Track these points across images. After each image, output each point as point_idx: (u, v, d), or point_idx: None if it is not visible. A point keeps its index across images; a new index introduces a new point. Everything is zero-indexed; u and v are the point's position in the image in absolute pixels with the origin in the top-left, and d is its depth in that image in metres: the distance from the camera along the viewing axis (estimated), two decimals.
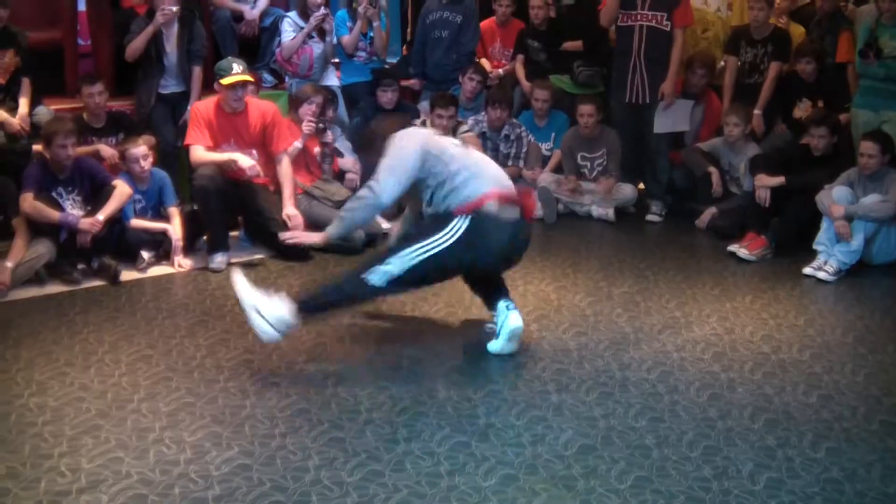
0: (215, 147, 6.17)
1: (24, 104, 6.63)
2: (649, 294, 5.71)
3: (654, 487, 3.57)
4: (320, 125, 6.78)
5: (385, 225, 6.91)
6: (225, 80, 6.08)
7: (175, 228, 6.16)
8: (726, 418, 4.14)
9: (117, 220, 6.00)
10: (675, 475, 3.66)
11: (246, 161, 6.04)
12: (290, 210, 6.20)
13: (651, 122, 7.39)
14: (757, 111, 7.44)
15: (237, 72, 6.09)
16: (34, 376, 4.44)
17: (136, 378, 4.43)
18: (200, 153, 6.11)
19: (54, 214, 5.77)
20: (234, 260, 6.20)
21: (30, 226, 5.76)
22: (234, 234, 6.57)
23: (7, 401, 4.18)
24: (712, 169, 7.25)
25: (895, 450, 3.90)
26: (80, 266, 5.82)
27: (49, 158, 5.89)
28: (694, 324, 5.26)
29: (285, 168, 6.29)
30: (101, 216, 5.83)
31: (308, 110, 6.71)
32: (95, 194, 5.98)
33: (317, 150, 6.85)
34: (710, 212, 7.15)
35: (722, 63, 7.82)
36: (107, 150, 6.44)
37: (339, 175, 7.04)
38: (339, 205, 6.56)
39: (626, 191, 7.51)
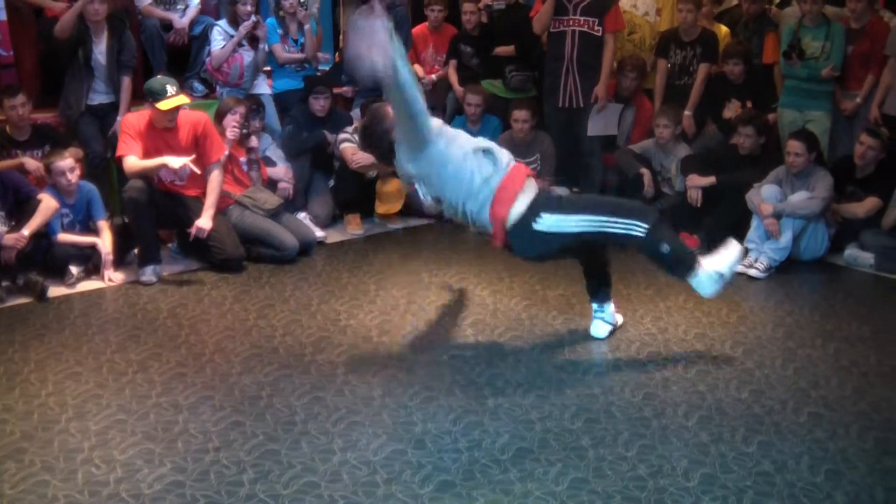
0: (147, 159, 6.05)
1: None
2: (584, 297, 5.68)
3: (590, 488, 3.58)
4: (244, 131, 6.71)
5: (319, 234, 6.87)
6: (162, 106, 5.94)
7: (104, 242, 6.06)
8: (661, 417, 4.17)
9: (44, 234, 5.89)
10: (611, 475, 3.68)
11: (176, 161, 5.92)
12: (202, 221, 6.08)
13: (584, 126, 7.45)
14: (687, 112, 7.53)
15: (172, 94, 5.96)
16: None
17: (64, 397, 4.34)
18: (132, 162, 6.00)
19: None
20: (165, 273, 6.11)
21: None
22: (166, 246, 6.49)
23: None
24: (644, 170, 7.32)
25: (823, 441, 3.97)
26: (5, 283, 5.69)
27: None
28: (628, 324, 5.30)
29: (214, 179, 6.19)
30: (26, 231, 5.72)
31: (231, 120, 6.65)
32: (20, 209, 5.86)
33: (243, 158, 6.79)
34: None
35: (651, 66, 7.91)
36: (31, 162, 6.31)
37: (269, 183, 6.97)
38: (270, 213, 6.51)
39: (560, 194, 7.52)
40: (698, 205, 6.71)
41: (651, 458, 3.81)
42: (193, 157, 6.02)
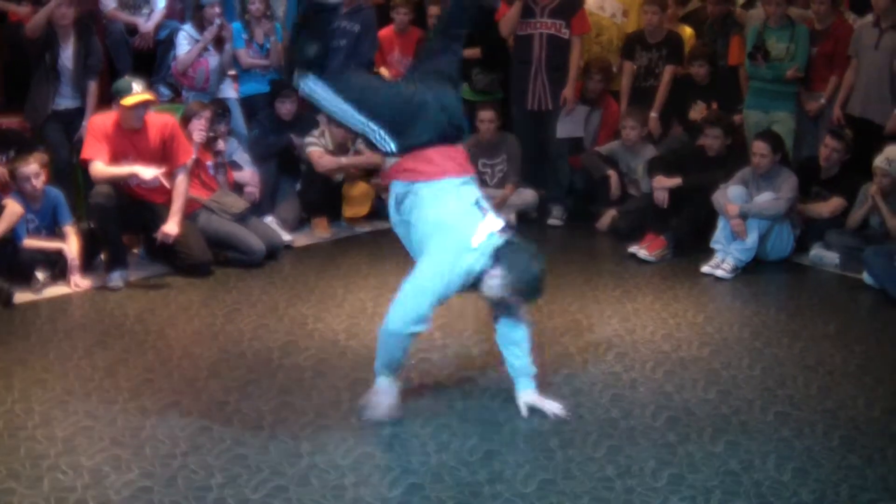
0: (114, 163, 6.00)
1: None
2: (551, 297, 5.73)
3: (559, 489, 3.60)
4: (210, 135, 6.69)
5: (287, 237, 6.86)
6: (126, 101, 5.91)
7: (71, 247, 6.01)
8: (629, 417, 4.20)
9: (9, 240, 5.83)
10: (579, 476, 3.70)
11: (148, 173, 5.90)
12: (168, 227, 6.04)
13: (553, 128, 7.47)
14: (653, 114, 7.59)
15: (137, 91, 5.94)
16: None
17: (30, 404, 4.30)
18: (100, 168, 5.95)
19: None
20: (132, 277, 6.08)
21: None
22: (133, 251, 6.45)
23: None
24: (611, 172, 7.37)
25: (789, 439, 4.01)
26: None
27: None
28: (596, 325, 5.33)
29: (180, 183, 6.15)
30: None
31: (198, 125, 6.62)
32: None
33: (210, 162, 6.76)
34: (609, 214, 7.25)
35: (615, 69, 7.95)
36: None
37: (236, 187, 6.95)
38: (236, 217, 6.48)
39: (527, 196, 7.56)
40: (665, 206, 6.75)
41: (619, 458, 3.83)
42: (164, 170, 5.99)
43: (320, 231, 7.17)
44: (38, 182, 6.04)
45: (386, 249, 6.87)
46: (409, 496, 3.54)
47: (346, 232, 7.30)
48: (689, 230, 6.70)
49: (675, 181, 6.78)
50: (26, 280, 5.87)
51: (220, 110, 7.04)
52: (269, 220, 7.02)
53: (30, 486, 3.59)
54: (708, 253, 6.39)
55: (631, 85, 7.77)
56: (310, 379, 4.58)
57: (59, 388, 4.48)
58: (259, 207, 7.03)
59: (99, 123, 6.07)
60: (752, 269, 6.32)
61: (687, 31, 8.03)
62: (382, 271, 6.29)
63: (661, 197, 6.78)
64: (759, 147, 6.42)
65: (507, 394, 4.41)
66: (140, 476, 3.66)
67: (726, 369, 4.75)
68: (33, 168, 6.02)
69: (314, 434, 4.00)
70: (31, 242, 6.00)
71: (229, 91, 7.79)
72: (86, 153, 6.04)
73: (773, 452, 3.88)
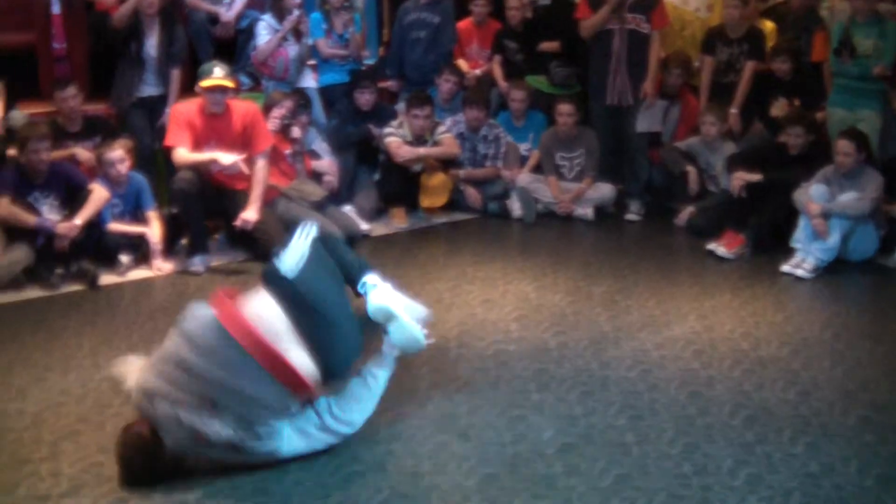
0: (196, 149, 6.12)
1: None
2: (629, 293, 5.73)
3: (634, 485, 3.58)
4: (285, 122, 6.76)
5: (364, 227, 6.91)
6: (204, 83, 6.06)
7: (154, 232, 6.15)
8: (706, 415, 4.16)
9: (95, 224, 5.98)
10: (655, 472, 3.68)
11: (227, 158, 6.01)
12: (247, 213, 6.15)
13: (632, 124, 7.42)
14: (733, 110, 7.48)
15: (217, 76, 6.06)
16: (13, 381, 4.42)
17: (117, 382, 4.40)
18: (182, 154, 6.08)
19: (31, 219, 5.75)
20: (213, 262, 6.18)
21: (7, 231, 5.73)
22: (213, 237, 6.55)
23: None
24: (690, 168, 7.29)
25: (871, 444, 3.93)
26: (59, 271, 5.79)
27: (24, 163, 5.87)
28: (673, 322, 5.29)
29: (260, 170, 6.24)
30: (79, 220, 5.82)
31: (276, 113, 6.71)
32: (72, 199, 5.96)
33: (288, 150, 6.84)
34: (688, 210, 7.18)
35: (697, 63, 7.86)
36: (83, 153, 6.42)
37: (314, 176, 7.02)
38: (315, 205, 6.56)
39: (605, 190, 7.53)
40: (742, 196, 6.65)
41: (696, 456, 3.80)
42: (245, 156, 6.09)
43: (398, 221, 7.21)
44: (123, 167, 6.18)
45: (462, 240, 6.90)
46: (485, 485, 3.56)
47: (424, 222, 7.34)
48: (769, 228, 6.60)
49: (756, 176, 6.68)
50: (111, 263, 6.01)
51: (303, 101, 7.12)
52: (348, 209, 7.08)
53: (116, 462, 3.69)
54: (788, 252, 6.29)
55: (711, 80, 7.68)
56: None
57: None
58: (337, 196, 7.09)
59: (182, 110, 6.19)
60: (834, 269, 6.20)
61: (768, 25, 7.90)
62: (460, 262, 6.32)
63: (738, 187, 6.68)
64: (844, 146, 6.30)
65: (583, 387, 4.41)
66: None
67: (806, 370, 4.68)
68: (119, 154, 6.16)
69: (392, 421, 4.04)
70: (115, 227, 6.15)
71: (308, 81, 7.87)
72: (169, 140, 6.17)
73: (854, 457, 3.81)
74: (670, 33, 7.81)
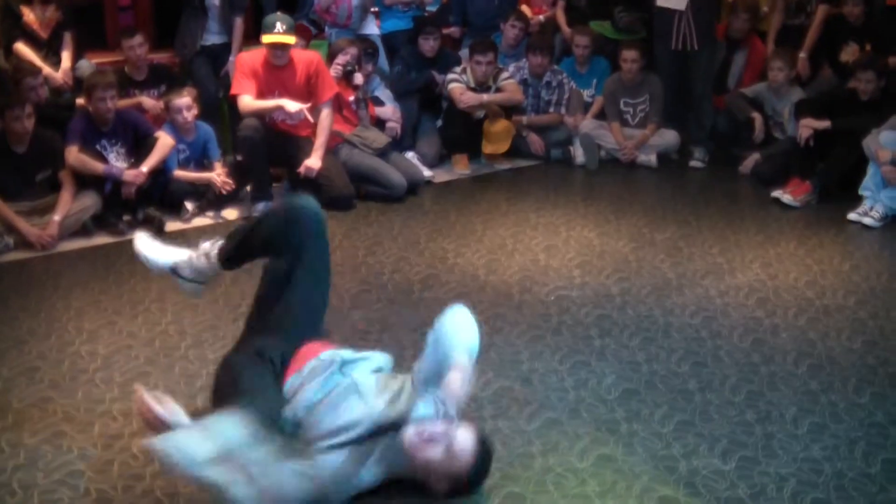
0: (261, 98, 6.17)
1: (66, 58, 6.71)
2: (692, 240, 5.68)
3: (696, 431, 3.58)
4: (348, 68, 6.76)
5: (427, 173, 6.92)
6: (264, 38, 6.08)
7: (219, 178, 6.20)
8: (769, 363, 4.14)
9: (161, 171, 6.06)
10: (717, 419, 3.67)
11: (293, 105, 6.05)
12: (311, 161, 6.19)
13: (697, 69, 7.28)
14: (802, 54, 7.33)
15: (278, 31, 6.06)
16: (84, 325, 4.53)
17: (183, 326, 4.51)
18: (247, 101, 6.14)
19: (99, 166, 5.85)
20: None
21: (76, 178, 5.83)
22: (277, 184, 6.61)
23: (60, 348, 4.28)
24: (755, 114, 7.16)
25: None
26: (126, 217, 5.89)
27: (91, 111, 5.95)
28: (737, 269, 5.24)
29: (324, 118, 6.28)
30: (145, 168, 5.90)
31: (340, 60, 6.72)
32: (138, 146, 6.04)
33: (351, 98, 6.84)
34: (753, 157, 7.06)
35: (766, 8, 7.69)
36: (149, 101, 6.50)
37: (377, 123, 7.03)
38: (378, 152, 6.58)
39: (669, 137, 7.44)
40: (809, 144, 6.52)
41: (759, 403, 3.79)
42: (310, 105, 6.12)
43: (460, 167, 7.20)
44: (190, 114, 6.24)
45: (525, 187, 6.88)
46: (547, 430, 3.58)
47: (486, 169, 7.31)
48: (837, 176, 6.48)
49: (825, 123, 6.54)
50: (176, 210, 6.10)
51: (370, 49, 7.11)
52: (410, 155, 7.08)
53: (186, 403, 3.75)
54: (856, 200, 6.17)
55: (781, 21, 7.50)
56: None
57: (208, 313, 4.67)
58: (400, 143, 7.10)
59: (248, 60, 6.23)
60: None
61: None
62: (522, 208, 6.30)
63: (806, 135, 6.55)
64: None
65: (646, 333, 4.41)
66: None
67: (873, 319, 4.61)
68: (186, 101, 6.22)
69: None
70: (181, 173, 6.23)
71: (371, 28, 7.85)
72: (235, 89, 6.22)
73: None
74: None
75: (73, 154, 5.82)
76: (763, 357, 4.19)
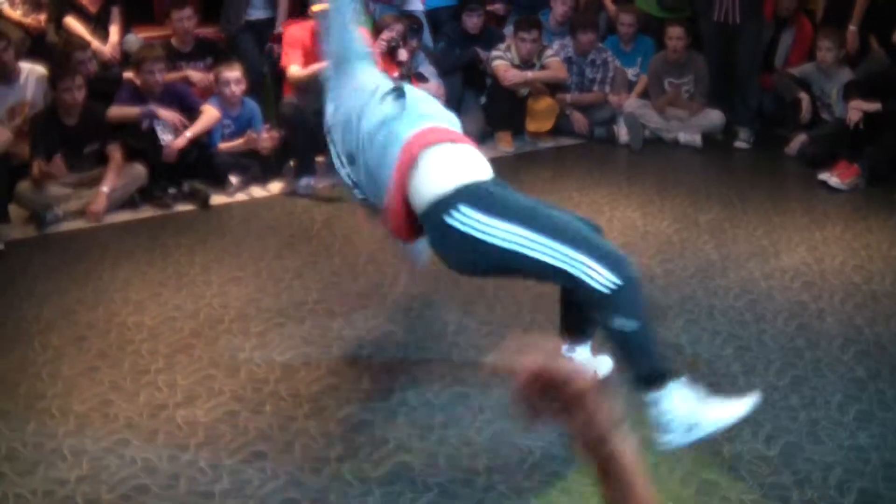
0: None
1: (114, 32, 6.78)
2: (737, 221, 5.63)
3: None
4: (392, 44, 6.74)
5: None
6: (315, 7, 6.09)
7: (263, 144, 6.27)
8: (815, 348, 4.10)
9: (206, 145, 6.10)
10: (762, 404, 3.60)
11: None
12: None
13: (742, 45, 7.18)
14: (852, 27, 7.19)
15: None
16: (131, 296, 4.59)
17: (227, 299, 4.55)
18: (296, 70, 6.20)
19: (135, 110, 5.91)
20: (320, 184, 6.26)
21: (124, 151, 5.88)
22: (320, 159, 6.62)
23: (107, 319, 4.34)
24: (802, 94, 7.06)
25: None
26: (172, 190, 5.95)
27: (139, 84, 6.00)
28: (782, 252, 5.19)
29: None
30: (189, 133, 5.96)
31: (385, 36, 6.70)
32: (185, 118, 6.08)
33: (395, 74, 6.82)
34: (799, 139, 6.97)
35: None
36: (196, 74, 6.53)
37: None
38: None
39: (714, 117, 7.36)
40: (859, 127, 6.43)
41: (804, 389, 3.76)
42: None
43: (504, 145, 7.18)
44: (238, 88, 6.27)
45: (569, 164, 6.85)
46: None
47: (530, 146, 7.29)
48: (886, 159, 6.38)
49: (875, 106, 6.44)
50: (221, 184, 6.14)
51: (415, 25, 7.10)
52: None
53: (229, 375, 3.83)
54: None
55: None
56: (492, 290, 4.63)
57: (252, 286, 4.71)
58: None
59: (296, 33, 6.28)
60: None
61: None
62: (565, 187, 6.28)
63: (855, 117, 6.45)
64: None
65: (689, 315, 4.37)
66: (327, 373, 3.84)
67: None
68: (236, 74, 6.26)
69: (495, 343, 4.07)
70: (225, 145, 6.27)
71: (416, 4, 7.81)
72: (284, 62, 6.27)
73: None
74: None
75: (113, 108, 5.89)
76: (808, 342, 4.15)
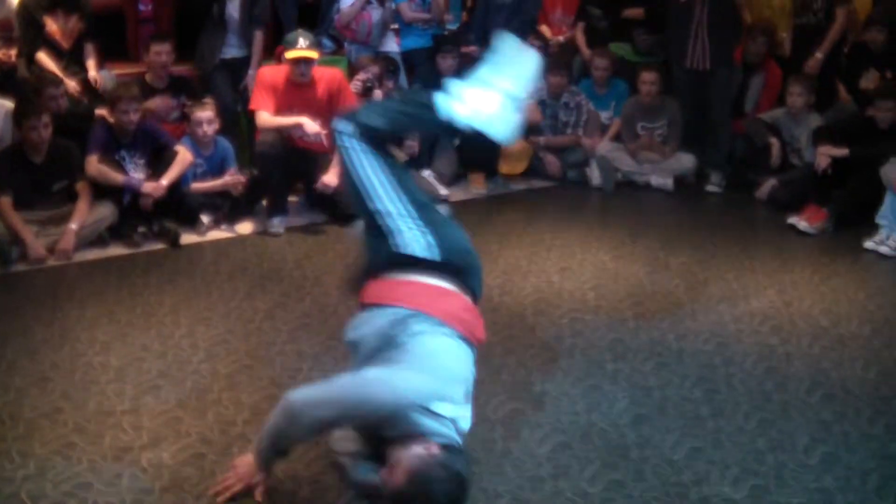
0: (280, 114, 6.18)
1: (92, 67, 6.79)
2: (707, 265, 5.66)
3: (708, 458, 3.56)
4: (368, 86, 6.77)
5: (443, 191, 6.92)
6: (288, 54, 6.10)
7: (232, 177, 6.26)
8: (782, 391, 4.11)
9: (177, 184, 6.08)
10: (729, 446, 3.65)
11: (312, 127, 6.09)
12: (329, 177, 6.20)
13: (714, 92, 7.26)
14: (819, 55, 7.30)
15: (301, 46, 6.08)
16: (97, 336, 4.54)
17: (196, 340, 4.51)
18: (266, 118, 6.17)
19: (119, 177, 5.88)
20: (292, 224, 6.25)
21: (93, 189, 5.86)
22: (293, 199, 6.62)
23: (72, 359, 4.29)
24: (773, 140, 7.14)
25: None
26: (142, 229, 5.92)
27: (113, 122, 5.99)
28: (752, 296, 5.22)
29: None
30: (165, 181, 5.93)
31: (361, 77, 6.73)
32: (157, 157, 6.07)
33: None
34: (770, 183, 7.04)
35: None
36: (156, 100, 6.50)
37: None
38: None
39: (686, 160, 7.42)
40: (827, 171, 6.51)
41: (771, 432, 3.76)
42: (327, 132, 6.14)
43: (477, 186, 7.21)
44: (211, 128, 6.26)
45: (541, 208, 6.88)
46: (557, 454, 3.57)
47: (502, 188, 7.32)
48: (854, 203, 6.45)
49: (842, 151, 6.52)
50: (192, 223, 6.11)
51: (392, 67, 7.14)
52: (427, 174, 7.09)
53: (197, 416, 3.78)
54: (872, 228, 6.13)
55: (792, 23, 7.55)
56: None
57: (221, 327, 4.68)
58: (417, 161, 7.10)
59: (268, 75, 6.26)
60: None
61: None
62: (537, 229, 6.30)
63: (824, 164, 6.53)
64: None
65: (659, 358, 4.39)
66: None
67: (888, 349, 4.58)
68: (208, 114, 6.24)
69: None
70: (197, 186, 6.25)
71: (391, 45, 7.88)
72: (253, 104, 6.26)
73: None
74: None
75: (94, 164, 5.85)
76: (776, 385, 4.17)
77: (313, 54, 6.17)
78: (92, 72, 6.74)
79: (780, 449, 3.64)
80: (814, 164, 6.67)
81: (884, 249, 5.98)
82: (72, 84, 6.57)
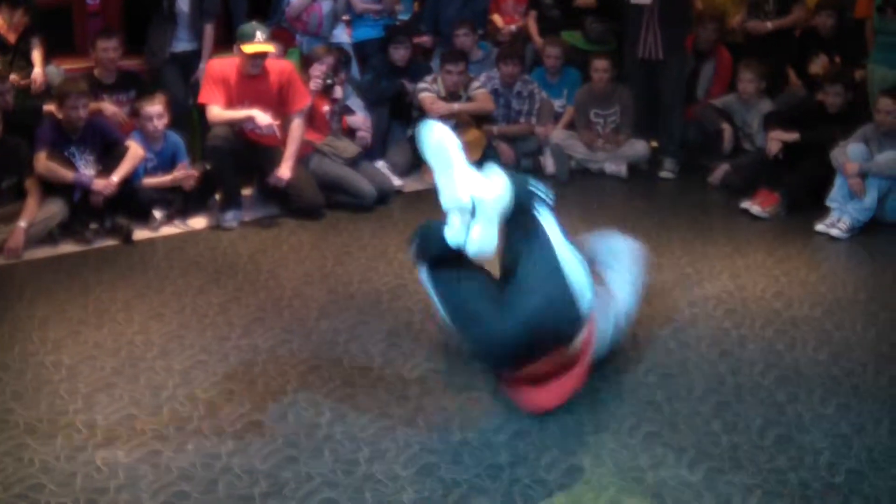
0: (231, 107, 6.12)
1: (38, 62, 6.64)
2: (662, 250, 5.69)
3: (664, 441, 3.59)
4: (328, 82, 6.74)
5: (397, 182, 6.91)
6: (246, 48, 6.01)
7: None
8: (737, 374, 4.15)
9: (129, 180, 6.01)
10: (684, 429, 3.68)
11: (264, 119, 6.03)
12: (281, 170, 6.16)
13: (666, 79, 7.31)
14: (769, 24, 7.42)
15: (259, 40, 6.01)
16: (49, 335, 4.48)
17: (150, 336, 4.47)
18: (216, 112, 6.10)
19: (68, 174, 5.80)
20: (246, 218, 6.21)
21: (42, 186, 5.78)
22: (246, 192, 6.57)
23: (23, 358, 4.23)
24: (725, 125, 7.20)
25: None
26: (93, 226, 5.84)
27: (62, 119, 5.90)
28: (706, 280, 5.26)
29: (295, 129, 6.24)
30: (116, 177, 5.86)
31: (318, 70, 6.69)
32: (107, 153, 6.00)
33: (326, 108, 6.82)
34: (722, 168, 7.10)
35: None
36: (109, 108, 6.42)
37: (348, 132, 7.02)
38: (348, 161, 6.57)
39: (639, 147, 7.46)
40: (778, 156, 6.58)
41: (726, 414, 3.80)
42: (279, 122, 6.10)
43: (431, 177, 7.17)
44: (161, 123, 6.19)
45: None
46: (515, 440, 3.58)
47: None
48: (805, 187, 6.52)
49: (793, 136, 6.59)
50: (144, 218, 6.05)
51: (343, 58, 7.10)
52: (381, 164, 7.08)
53: (151, 413, 3.75)
54: (823, 211, 6.20)
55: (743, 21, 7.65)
56: (418, 323, 4.63)
57: (175, 322, 4.64)
58: (371, 152, 7.09)
59: (217, 68, 6.19)
60: (870, 229, 6.10)
61: None
62: None
63: (775, 149, 6.60)
64: (886, 104, 6.17)
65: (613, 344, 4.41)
66: (251, 409, 3.78)
67: (839, 330, 4.64)
68: (157, 109, 6.17)
69: (421, 377, 4.07)
70: (149, 181, 6.18)
71: (342, 36, 7.84)
72: (202, 97, 6.19)
73: (886, 417, 3.79)
74: None
75: (42, 161, 5.77)
76: (730, 368, 4.21)
77: (270, 48, 6.12)
78: (38, 68, 6.62)
79: (734, 431, 3.68)
80: (765, 149, 6.74)
81: (834, 232, 6.05)
82: (15, 78, 6.45)
